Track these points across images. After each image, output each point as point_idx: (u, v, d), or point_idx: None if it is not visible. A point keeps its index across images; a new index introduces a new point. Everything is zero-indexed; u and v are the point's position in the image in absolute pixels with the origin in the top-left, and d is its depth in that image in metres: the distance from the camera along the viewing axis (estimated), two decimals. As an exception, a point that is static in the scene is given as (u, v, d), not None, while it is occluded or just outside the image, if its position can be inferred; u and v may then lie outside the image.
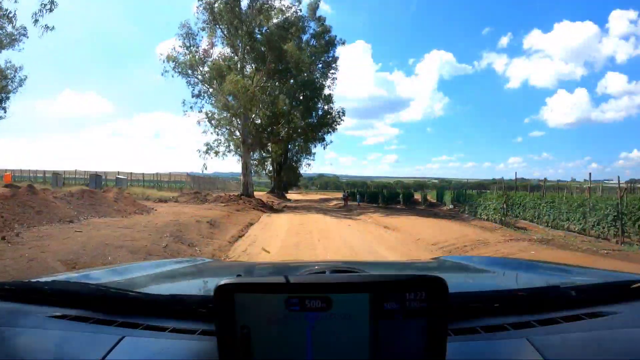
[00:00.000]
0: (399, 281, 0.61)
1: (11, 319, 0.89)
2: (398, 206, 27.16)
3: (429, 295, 0.60)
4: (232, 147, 25.58)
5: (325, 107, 28.65)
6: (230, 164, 35.44)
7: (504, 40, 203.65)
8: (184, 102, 24.32)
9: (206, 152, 24.66)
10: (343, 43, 28.68)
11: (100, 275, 1.46)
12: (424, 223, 13.60)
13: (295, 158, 36.97)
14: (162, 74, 22.84)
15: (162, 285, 1.31)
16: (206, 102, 24.42)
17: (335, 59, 28.86)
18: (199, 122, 24.05)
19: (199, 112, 23.87)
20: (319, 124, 28.19)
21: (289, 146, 36.06)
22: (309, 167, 36.73)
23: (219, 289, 0.60)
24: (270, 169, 36.75)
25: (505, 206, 13.90)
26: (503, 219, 13.73)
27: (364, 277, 0.69)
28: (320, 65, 29.10)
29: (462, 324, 0.83)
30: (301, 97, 27.03)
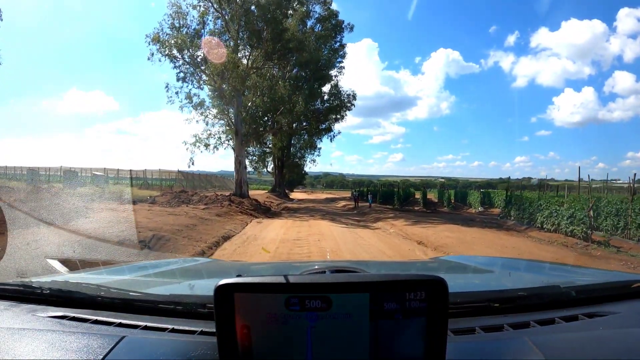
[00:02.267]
0: (399, 281, 0.60)
1: (11, 319, 0.87)
2: (416, 208, 22.50)
3: (428, 295, 0.59)
4: (224, 139, 21.07)
5: (333, 90, 23.57)
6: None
7: (511, 39, 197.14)
8: (167, 87, 19.90)
9: (194, 144, 20.21)
10: (351, 28, 24.49)
11: (100, 276, 1.41)
12: (473, 236, 9.37)
13: (299, 154, 32.60)
14: (148, 59, 19.12)
15: (162, 285, 1.27)
16: (194, 86, 19.86)
17: (343, 46, 24.67)
18: (181, 108, 19.59)
19: (185, 99, 19.33)
20: (326, 110, 23.19)
21: (293, 141, 31.55)
22: (314, 164, 32.36)
23: (219, 288, 0.59)
24: (272, 166, 32.00)
25: (591, 214, 9.15)
26: (588, 232, 9.05)
27: (363, 277, 0.68)
28: (326, 52, 24.51)
29: (461, 324, 0.82)
30: (304, 80, 22.06)
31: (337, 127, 25.75)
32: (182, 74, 20.42)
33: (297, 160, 33.64)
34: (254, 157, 32.00)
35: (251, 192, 31.08)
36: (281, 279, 0.59)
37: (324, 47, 25.15)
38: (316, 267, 1.17)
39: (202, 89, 20.95)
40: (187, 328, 0.81)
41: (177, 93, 20.44)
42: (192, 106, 19.74)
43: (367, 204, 23.39)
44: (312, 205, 24.95)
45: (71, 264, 2.00)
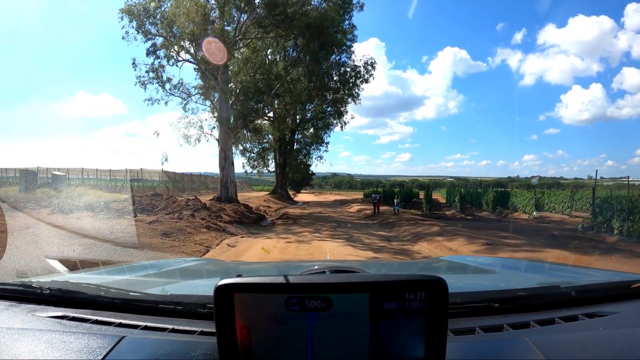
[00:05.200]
0: (399, 281, 0.59)
1: (11, 319, 0.87)
2: (448, 212, 17.35)
3: (428, 296, 0.59)
4: (207, 128, 16.28)
5: (344, 59, 17.78)
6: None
7: (518, 36, 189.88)
8: (134, 64, 15.12)
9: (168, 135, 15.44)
10: (361, 7, 18.21)
11: (100, 276, 1.39)
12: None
13: (304, 151, 27.66)
14: (123, 38, 15.18)
15: (162, 285, 1.24)
16: (169, 63, 15.13)
17: (352, 27, 18.90)
18: (143, 85, 14.76)
19: (152, 74, 14.53)
20: (339, 82, 17.18)
21: (297, 136, 26.60)
22: (321, 161, 27.39)
23: (219, 288, 0.58)
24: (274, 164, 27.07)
25: None
26: None
27: (363, 277, 0.68)
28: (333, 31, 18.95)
29: (461, 324, 0.81)
30: (306, 50, 16.13)
31: (348, 113, 20.12)
32: (152, 48, 15.68)
33: (301, 157, 28.77)
34: (253, 154, 27.18)
35: (251, 194, 25.89)
36: (281, 279, 0.59)
37: (330, 26, 19.85)
38: (316, 267, 1.16)
39: (177, 65, 16.17)
40: (187, 328, 0.80)
41: (147, 72, 15.62)
42: (158, 83, 14.90)
43: (392, 208, 17.18)
44: (319, 210, 20.21)
45: (71, 264, 1.81)
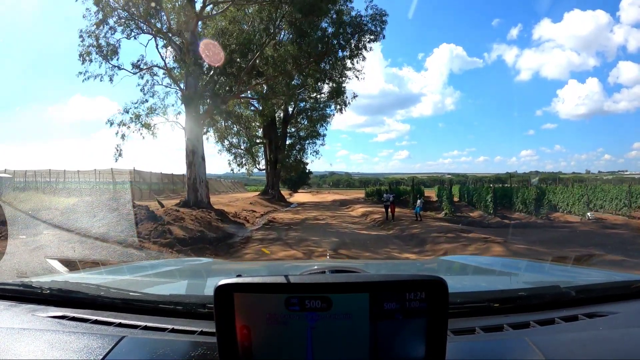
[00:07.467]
0: (399, 281, 0.59)
1: (11, 319, 0.86)
2: (472, 214, 13.77)
3: (428, 296, 0.58)
4: (173, 112, 12.72)
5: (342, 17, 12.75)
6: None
7: (514, 32, 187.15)
8: (81, 37, 11.41)
9: (121, 124, 11.80)
10: None
11: (100, 276, 1.38)
12: None
13: (298, 146, 24.85)
14: (83, 17, 11.55)
15: (162, 285, 1.24)
16: (124, 34, 11.49)
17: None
18: (82, 59, 10.98)
19: (94, 47, 10.83)
20: (336, 41, 12.64)
21: (291, 129, 23.45)
22: (317, 157, 24.17)
23: (219, 288, 0.58)
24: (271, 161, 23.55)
25: None
26: None
27: (363, 277, 0.68)
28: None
29: (461, 324, 0.79)
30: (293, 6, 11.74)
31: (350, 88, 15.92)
32: (103, 17, 11.99)
33: (295, 153, 25.39)
34: (240, 151, 23.59)
35: (241, 195, 22.38)
36: (281, 279, 0.58)
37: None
38: (316, 267, 1.14)
39: (136, 38, 12.52)
40: (187, 328, 0.79)
41: (100, 52, 11.81)
42: (98, 52, 11.13)
43: (412, 212, 13.67)
44: (315, 214, 16.43)
45: (71, 264, 1.74)
